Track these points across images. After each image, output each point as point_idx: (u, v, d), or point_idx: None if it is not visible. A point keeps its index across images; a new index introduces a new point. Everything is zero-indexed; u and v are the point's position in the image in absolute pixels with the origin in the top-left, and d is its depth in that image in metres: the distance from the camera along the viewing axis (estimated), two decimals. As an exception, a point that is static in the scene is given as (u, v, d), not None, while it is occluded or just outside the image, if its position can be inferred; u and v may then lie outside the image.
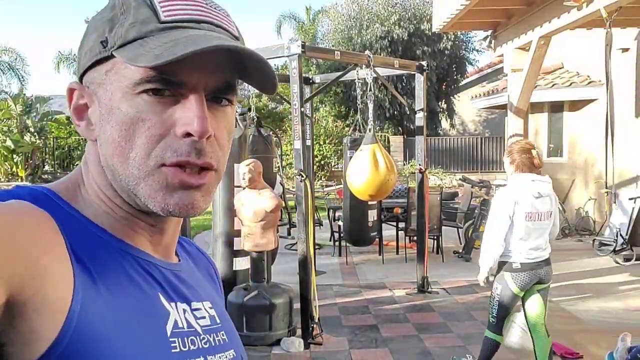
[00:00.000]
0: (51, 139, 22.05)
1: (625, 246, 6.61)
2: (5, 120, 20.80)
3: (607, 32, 4.22)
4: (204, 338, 0.65)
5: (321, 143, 16.00)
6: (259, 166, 4.19)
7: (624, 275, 6.56)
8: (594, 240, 7.87)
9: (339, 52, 5.26)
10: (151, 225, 0.65)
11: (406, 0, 16.84)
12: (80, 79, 0.64)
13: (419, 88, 6.08)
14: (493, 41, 6.77)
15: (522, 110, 6.16)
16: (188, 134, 0.57)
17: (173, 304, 0.64)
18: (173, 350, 0.60)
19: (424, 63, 6.04)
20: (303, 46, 4.41)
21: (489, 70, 17.80)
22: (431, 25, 7.69)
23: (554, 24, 5.16)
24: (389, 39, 16.13)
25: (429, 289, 5.84)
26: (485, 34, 7.14)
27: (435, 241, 7.47)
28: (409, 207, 7.26)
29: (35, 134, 20.69)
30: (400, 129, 18.08)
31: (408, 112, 16.09)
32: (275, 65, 22.92)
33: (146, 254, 0.64)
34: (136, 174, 0.58)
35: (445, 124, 19.76)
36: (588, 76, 9.31)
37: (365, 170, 4.88)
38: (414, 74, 6.15)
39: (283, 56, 4.64)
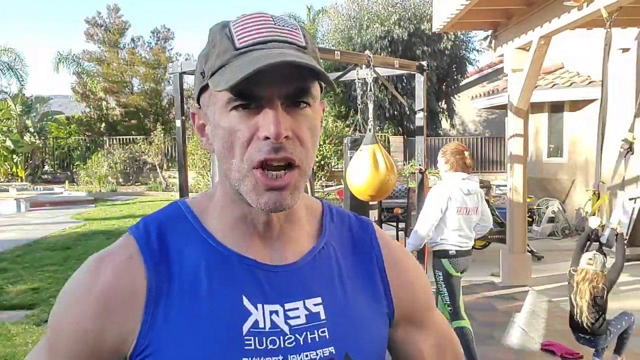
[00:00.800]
0: (51, 139, 22.05)
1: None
2: (4, 120, 20.81)
3: (607, 32, 4.22)
4: (289, 337, 0.72)
5: (321, 143, 16.01)
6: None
7: (624, 275, 6.54)
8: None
9: (339, 52, 5.25)
10: (256, 225, 0.76)
11: (406, 0, 16.83)
12: (198, 101, 0.79)
13: (419, 88, 6.07)
14: (493, 41, 6.77)
15: (523, 110, 6.16)
16: (267, 137, 0.68)
17: (259, 306, 0.72)
18: (247, 348, 0.70)
19: (424, 63, 6.03)
20: (303, 46, 4.40)
21: (489, 70, 17.79)
22: (431, 25, 7.69)
23: (554, 24, 5.16)
24: (389, 39, 16.12)
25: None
26: (485, 34, 7.14)
27: (436, 241, 7.45)
28: (409, 207, 7.25)
29: (35, 134, 20.69)
30: (400, 129, 18.08)
31: (408, 112, 16.08)
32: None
33: (244, 257, 0.75)
34: (237, 177, 0.71)
35: (445, 124, 19.76)
36: (588, 76, 9.31)
37: (365, 170, 4.87)
38: (414, 74, 6.15)
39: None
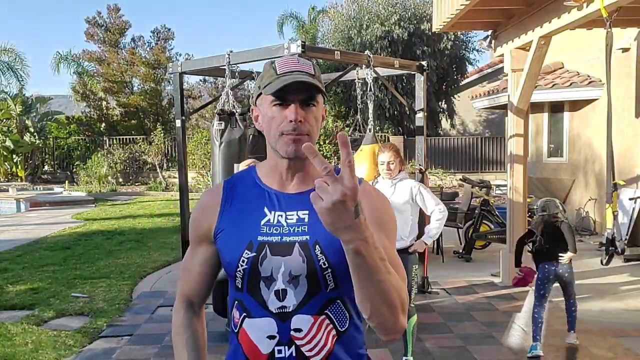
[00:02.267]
0: (51, 139, 22.03)
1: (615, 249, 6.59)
2: (4, 120, 20.79)
3: (608, 32, 4.22)
4: (285, 228, 1.30)
5: (321, 143, 16.01)
6: (259, 166, 4.18)
7: (624, 275, 6.55)
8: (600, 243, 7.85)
9: (339, 52, 5.25)
10: (281, 171, 1.34)
11: (406, 0, 16.82)
12: (255, 102, 1.38)
13: (419, 88, 6.07)
14: (493, 41, 6.77)
15: (523, 110, 6.16)
16: (290, 120, 1.26)
17: (272, 212, 1.32)
18: (261, 231, 1.31)
19: (424, 63, 6.03)
20: (303, 46, 4.40)
21: (489, 70, 17.78)
22: (431, 25, 7.68)
23: (554, 24, 5.16)
24: (389, 39, 16.11)
25: (429, 289, 5.84)
26: (485, 34, 7.14)
27: (435, 241, 7.45)
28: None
29: (35, 134, 20.68)
30: (400, 129, 18.06)
31: (408, 112, 16.07)
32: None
33: (269, 188, 1.35)
34: (274, 140, 1.30)
35: (445, 124, 19.75)
36: (588, 76, 9.31)
37: (365, 170, 4.88)
38: (414, 74, 6.15)
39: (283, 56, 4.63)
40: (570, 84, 9.33)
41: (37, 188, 18.83)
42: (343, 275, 1.24)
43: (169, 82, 21.80)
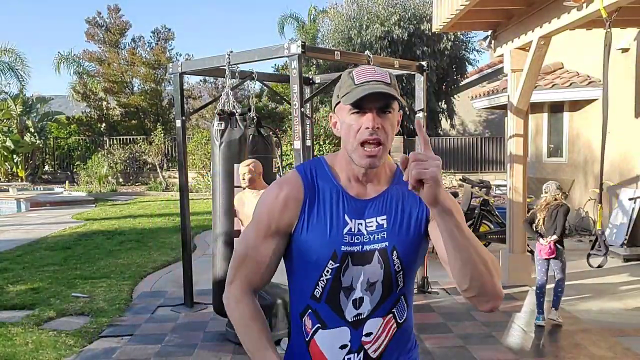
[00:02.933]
0: (51, 139, 22.03)
1: (605, 250, 6.60)
2: (5, 120, 20.79)
3: (607, 32, 4.22)
4: (366, 237, 1.35)
5: (321, 143, 16.00)
6: (259, 166, 4.19)
7: (624, 275, 6.56)
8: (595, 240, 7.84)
9: (339, 52, 5.26)
10: (358, 173, 1.36)
11: (406, 0, 16.81)
12: (334, 109, 1.41)
13: (419, 88, 6.08)
14: (493, 41, 6.77)
15: (522, 110, 6.16)
16: (367, 128, 1.29)
17: (353, 220, 1.35)
18: (344, 240, 1.33)
19: (424, 63, 6.03)
20: (303, 46, 4.40)
21: (489, 71, 17.78)
22: (431, 25, 7.69)
23: (554, 24, 5.16)
24: (389, 39, 16.11)
25: (429, 289, 5.84)
26: (485, 34, 7.14)
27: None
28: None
29: (35, 134, 20.68)
30: (400, 129, 17.89)
31: (408, 112, 16.07)
32: (275, 65, 22.90)
33: (347, 193, 1.37)
34: (351, 148, 1.33)
35: (445, 124, 19.74)
36: (588, 76, 9.31)
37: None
38: (414, 74, 6.15)
39: (283, 56, 4.64)
40: (570, 84, 9.34)
41: (37, 188, 18.83)
42: (410, 274, 1.39)
43: (169, 82, 21.80)
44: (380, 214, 1.36)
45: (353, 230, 1.34)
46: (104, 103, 22.86)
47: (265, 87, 16.18)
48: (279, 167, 5.95)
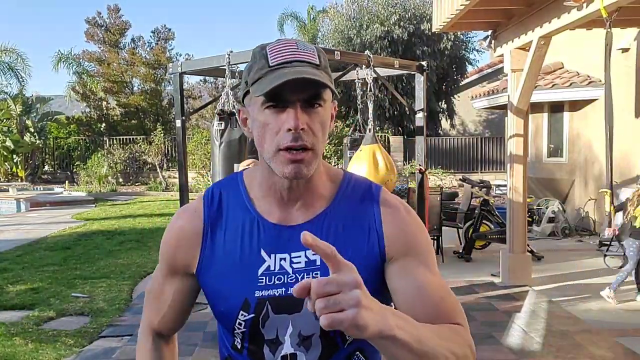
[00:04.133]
0: (51, 139, 22.03)
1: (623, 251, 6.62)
2: (4, 120, 20.77)
3: (607, 32, 4.22)
4: (291, 276, 1.01)
5: (321, 143, 16.01)
6: (259, 166, 4.18)
7: (624, 275, 6.54)
8: (600, 242, 7.86)
9: (339, 52, 5.26)
10: (281, 193, 1.03)
11: (406, 0, 16.82)
12: (242, 101, 1.06)
13: (419, 88, 6.07)
14: (493, 41, 6.77)
15: (522, 110, 6.16)
16: (289, 129, 0.94)
17: (273, 255, 1.02)
18: (259, 284, 1.02)
19: (424, 63, 6.03)
20: (303, 46, 4.39)
21: (489, 70, 17.79)
22: (431, 25, 7.68)
23: (554, 24, 5.16)
24: (389, 39, 16.11)
25: (429, 289, 5.83)
26: (485, 34, 7.14)
27: (435, 241, 7.45)
28: (409, 207, 7.24)
29: (35, 134, 20.67)
30: (400, 129, 18.07)
31: (408, 112, 16.08)
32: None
33: (265, 220, 1.04)
34: (269, 156, 0.98)
35: (445, 124, 19.76)
36: (588, 76, 9.31)
37: (364, 170, 4.88)
38: (414, 74, 6.15)
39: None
40: (570, 84, 9.33)
41: (37, 188, 18.83)
42: None
43: (169, 82, 21.79)
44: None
45: (273, 268, 1.01)
46: (104, 103, 22.85)
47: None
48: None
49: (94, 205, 14.66)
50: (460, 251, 7.58)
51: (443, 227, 7.57)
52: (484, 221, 7.60)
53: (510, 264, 6.16)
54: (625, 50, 8.13)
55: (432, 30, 7.35)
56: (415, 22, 16.37)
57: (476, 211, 7.68)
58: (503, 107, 10.01)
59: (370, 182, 1.11)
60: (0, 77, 20.24)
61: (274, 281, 1.01)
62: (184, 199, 5.60)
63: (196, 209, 1.10)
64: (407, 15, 16.40)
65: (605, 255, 6.78)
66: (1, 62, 20.22)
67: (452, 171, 16.89)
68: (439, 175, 15.94)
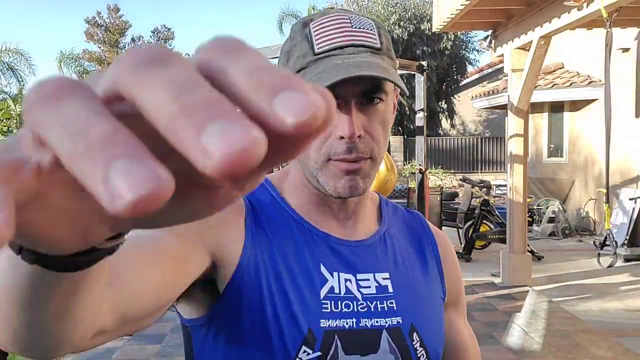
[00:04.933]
0: (51, 138, 22.05)
1: (614, 250, 6.67)
2: (4, 120, 20.77)
3: (608, 32, 4.22)
4: (362, 303, 0.78)
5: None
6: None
7: (625, 275, 6.56)
8: (595, 242, 7.86)
9: (339, 52, 5.25)
10: (330, 207, 0.82)
11: (406, 0, 16.83)
12: None
13: (419, 88, 6.07)
14: (493, 41, 6.77)
15: (523, 110, 6.16)
16: (342, 137, 0.73)
17: (335, 274, 0.78)
18: (324, 310, 0.75)
19: (424, 63, 6.04)
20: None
21: (489, 70, 17.78)
22: (431, 25, 7.68)
23: (554, 24, 5.16)
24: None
25: (429, 289, 5.83)
26: (485, 34, 7.14)
27: (436, 241, 7.46)
28: (409, 207, 7.24)
29: (35, 134, 20.69)
30: (400, 129, 18.08)
31: (408, 112, 16.08)
32: (275, 65, 22.85)
33: (320, 231, 0.81)
34: (314, 166, 0.76)
35: (445, 124, 19.76)
36: (588, 76, 9.31)
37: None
38: (414, 74, 6.15)
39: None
40: (570, 84, 9.34)
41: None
42: None
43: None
44: (379, 269, 0.82)
45: (338, 291, 0.77)
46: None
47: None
48: (279, 166, 5.95)
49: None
50: (461, 251, 7.58)
51: (443, 227, 7.56)
52: (484, 221, 7.60)
53: (510, 264, 6.16)
54: (625, 50, 8.13)
55: (432, 30, 7.36)
56: (415, 21, 16.38)
57: (476, 211, 7.68)
58: (503, 107, 10.02)
59: (403, 206, 0.98)
60: (0, 77, 20.22)
61: (342, 308, 0.76)
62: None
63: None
64: (407, 15, 16.41)
65: (599, 254, 6.78)
66: (1, 62, 20.22)
67: (452, 171, 16.88)
68: (439, 175, 15.93)
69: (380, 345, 0.76)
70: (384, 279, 0.81)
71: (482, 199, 7.84)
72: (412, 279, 0.84)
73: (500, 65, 13.86)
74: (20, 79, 20.70)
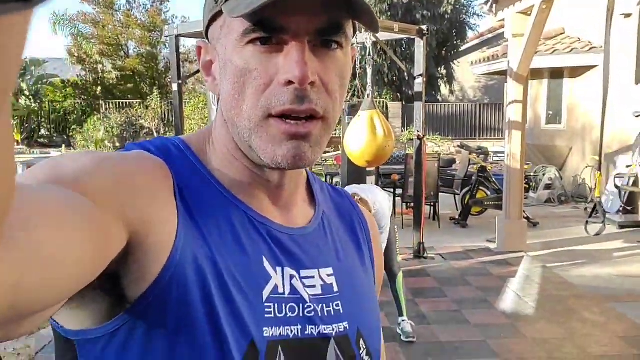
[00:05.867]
0: (46, 102, 21.84)
1: (603, 217, 6.74)
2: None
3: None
4: (309, 306, 0.64)
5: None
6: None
7: (619, 242, 6.62)
8: (586, 208, 7.91)
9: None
10: (268, 181, 0.66)
11: (407, -38, 16.49)
12: (206, 35, 0.66)
13: (419, 53, 6.00)
14: (494, 5, 6.66)
15: (522, 76, 6.10)
16: (290, 82, 0.57)
17: (279, 269, 0.64)
18: (266, 315, 0.61)
19: (424, 27, 5.94)
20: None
21: (490, 36, 17.55)
22: (432, -12, 7.54)
23: (557, -12, 5.06)
24: (389, 2, 15.85)
25: (425, 255, 5.89)
26: (486, -2, 7.01)
27: (432, 207, 7.50)
28: (406, 173, 7.26)
29: (30, 97, 20.49)
30: (399, 95, 17.95)
31: (407, 78, 15.93)
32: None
33: (260, 215, 0.65)
34: (248, 126, 0.60)
35: (444, 90, 19.61)
36: (589, 42, 9.20)
37: (363, 136, 4.86)
38: (414, 39, 6.06)
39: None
40: (571, 50, 9.23)
41: (34, 152, 18.77)
42: None
43: (165, 45, 21.49)
44: (323, 263, 0.68)
45: (282, 291, 0.63)
46: (100, 66, 22.58)
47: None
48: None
49: (91, 170, 14.64)
50: (457, 217, 7.63)
51: (440, 194, 7.60)
52: (480, 188, 7.63)
53: (505, 230, 6.20)
54: (627, 16, 8.01)
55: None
56: (415, -15, 16.09)
57: (473, 178, 7.70)
58: (503, 73, 9.93)
59: (323, 181, 0.80)
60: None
61: (286, 312, 0.62)
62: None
63: (160, 163, 0.61)
64: (407, -22, 16.10)
65: (587, 222, 6.84)
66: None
67: (450, 138, 16.85)
68: (437, 142, 15.90)
69: (327, 357, 0.64)
70: (328, 275, 0.68)
71: (479, 165, 7.84)
72: (352, 272, 0.72)
73: (500, 31, 13.68)
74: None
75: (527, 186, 8.28)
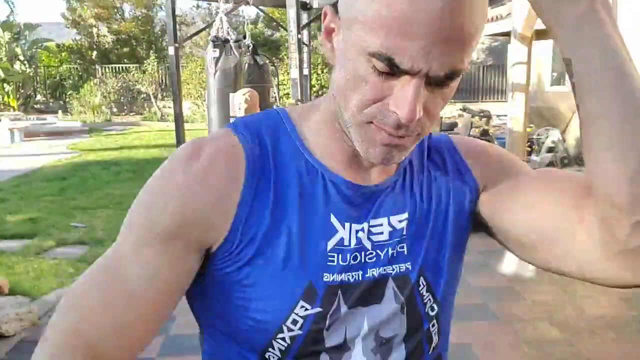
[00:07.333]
0: (42, 67, 21.57)
1: None
2: (-7, 48, 20.24)
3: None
4: (371, 253, 0.71)
5: (319, 72, 15.71)
6: (256, 96, 4.08)
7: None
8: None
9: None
10: (355, 152, 0.69)
11: None
12: (336, 8, 0.66)
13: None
14: (499, -38, 6.46)
15: (527, 37, 5.97)
16: (393, 112, 0.61)
17: (347, 224, 0.71)
18: (329, 263, 0.69)
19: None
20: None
21: (493, -5, 17.24)
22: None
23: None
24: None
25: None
26: (491, -45, 6.81)
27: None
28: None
29: (25, 62, 20.20)
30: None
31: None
32: None
33: (337, 177, 0.71)
34: (351, 120, 0.65)
35: (445, 52, 19.37)
36: (595, 1, 8.99)
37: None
38: None
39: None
40: (577, 9, 9.02)
41: (30, 118, 18.63)
42: (447, 317, 0.80)
43: (161, 7, 21.11)
44: (396, 211, 0.74)
45: (347, 243, 0.70)
46: (95, 30, 22.21)
47: (261, 13, 15.67)
48: (275, 96, 5.83)
49: (88, 136, 14.56)
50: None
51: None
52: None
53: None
54: (636, -28, 7.79)
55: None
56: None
57: (475, 141, 7.64)
58: (507, 34, 9.74)
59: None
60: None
61: (349, 261, 0.70)
62: (179, 130, 5.52)
63: (233, 143, 0.69)
64: None
65: None
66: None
67: (452, 100, 16.69)
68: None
69: (385, 294, 0.72)
70: (399, 221, 0.73)
71: (481, 128, 7.77)
72: (430, 215, 0.76)
73: (504, -10, 13.37)
74: (10, 4, 19.99)
75: (529, 149, 8.23)
